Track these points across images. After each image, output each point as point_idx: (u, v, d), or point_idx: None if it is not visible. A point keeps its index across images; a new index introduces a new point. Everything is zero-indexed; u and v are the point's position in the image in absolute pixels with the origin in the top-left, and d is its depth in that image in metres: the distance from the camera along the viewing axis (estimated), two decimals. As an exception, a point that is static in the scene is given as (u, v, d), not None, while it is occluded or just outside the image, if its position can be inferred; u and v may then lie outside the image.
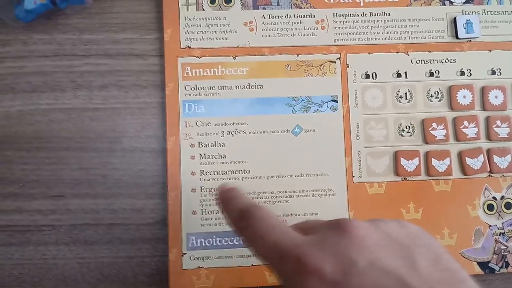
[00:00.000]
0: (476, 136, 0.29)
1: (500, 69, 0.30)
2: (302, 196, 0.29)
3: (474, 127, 0.29)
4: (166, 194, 0.28)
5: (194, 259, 0.28)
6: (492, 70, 0.30)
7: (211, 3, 0.30)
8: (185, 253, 0.28)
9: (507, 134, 0.30)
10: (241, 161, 0.29)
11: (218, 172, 0.29)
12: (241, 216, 0.19)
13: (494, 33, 0.30)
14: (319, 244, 0.16)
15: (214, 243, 0.28)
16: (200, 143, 0.29)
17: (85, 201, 0.29)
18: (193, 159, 0.29)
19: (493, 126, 0.30)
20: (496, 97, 0.30)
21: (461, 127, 0.29)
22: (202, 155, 0.29)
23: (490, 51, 0.30)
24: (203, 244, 0.28)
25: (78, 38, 0.30)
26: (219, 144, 0.29)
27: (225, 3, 0.30)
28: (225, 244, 0.28)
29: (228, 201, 0.20)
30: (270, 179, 0.29)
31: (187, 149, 0.29)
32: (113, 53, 0.29)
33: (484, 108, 0.30)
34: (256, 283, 0.28)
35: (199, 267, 0.28)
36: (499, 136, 0.30)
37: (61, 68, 0.29)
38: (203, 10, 0.29)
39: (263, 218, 0.18)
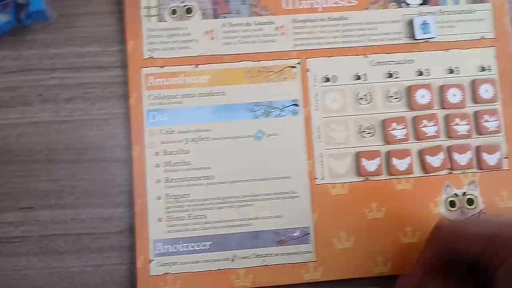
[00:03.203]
0: (436, 134, 0.30)
1: (457, 68, 0.31)
2: (266, 200, 0.29)
3: (434, 125, 0.30)
4: (132, 203, 0.29)
5: (161, 265, 0.29)
6: (449, 69, 0.31)
7: (172, 14, 0.30)
8: (152, 260, 0.29)
9: (467, 131, 0.30)
10: (205, 167, 0.29)
11: (183, 179, 0.29)
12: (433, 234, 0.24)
13: (451, 33, 0.31)
14: None
15: (181, 249, 0.29)
16: (165, 151, 0.29)
17: (54, 212, 0.29)
18: (158, 167, 0.29)
19: (452, 124, 0.30)
20: (454, 95, 0.31)
21: (420, 126, 0.30)
22: (167, 163, 0.29)
23: (447, 50, 0.31)
24: (170, 250, 0.29)
25: (44, 53, 0.30)
26: (183, 152, 0.30)
27: (186, 14, 0.30)
28: (192, 249, 0.29)
29: None
30: (234, 183, 0.29)
31: (152, 158, 0.29)
32: (79, 66, 0.30)
33: (443, 106, 0.30)
34: (223, 287, 0.29)
35: (166, 273, 0.28)
36: (459, 134, 0.30)
37: (28, 82, 0.30)
38: (165, 21, 0.30)
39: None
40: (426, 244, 0.25)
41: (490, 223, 0.22)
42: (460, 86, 0.30)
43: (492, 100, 0.31)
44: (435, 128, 0.30)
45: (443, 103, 0.30)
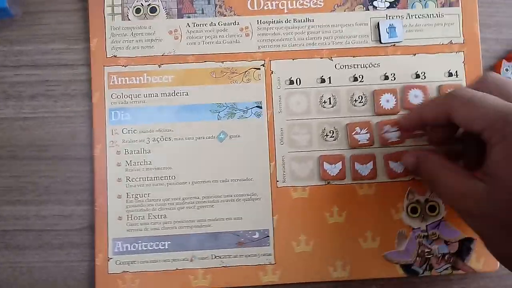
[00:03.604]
0: (398, 140, 0.30)
1: (424, 73, 0.30)
2: (227, 201, 0.29)
3: (397, 130, 0.30)
4: (93, 201, 0.29)
5: (120, 263, 0.29)
6: (416, 73, 0.30)
7: (136, 13, 0.30)
8: (111, 258, 0.29)
9: (430, 138, 0.30)
10: (166, 168, 0.29)
11: (143, 179, 0.29)
12: (449, 94, 0.25)
13: (418, 37, 0.31)
14: None
15: (140, 248, 0.29)
16: (126, 150, 0.29)
17: (16, 208, 0.30)
18: (119, 166, 0.29)
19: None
20: (416, 96, 0.30)
21: (382, 132, 0.30)
22: (128, 162, 0.29)
23: (415, 54, 0.31)
24: (129, 249, 0.29)
25: (9, 50, 0.30)
26: (144, 151, 0.30)
27: (150, 12, 0.30)
28: (151, 248, 0.29)
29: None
30: (195, 184, 0.29)
31: (113, 156, 0.29)
32: (43, 63, 0.30)
33: (403, 107, 0.30)
34: (181, 287, 0.29)
35: (124, 271, 0.29)
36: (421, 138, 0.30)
37: (-8, 79, 0.30)
38: (129, 19, 0.30)
39: (471, 89, 0.24)
40: (432, 102, 0.26)
41: (504, 104, 0.23)
42: (423, 88, 0.30)
43: (458, 106, 0.30)
44: (397, 133, 0.30)
45: (404, 104, 0.30)
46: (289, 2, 0.31)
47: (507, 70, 0.31)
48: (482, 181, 0.23)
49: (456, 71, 0.31)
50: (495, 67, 0.31)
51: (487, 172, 0.23)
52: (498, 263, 0.30)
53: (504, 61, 0.31)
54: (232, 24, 0.30)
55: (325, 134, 0.30)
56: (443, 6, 0.31)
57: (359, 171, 0.30)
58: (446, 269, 0.30)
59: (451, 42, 0.31)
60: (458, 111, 0.24)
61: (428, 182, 0.27)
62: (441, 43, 0.31)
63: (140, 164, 0.30)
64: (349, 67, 0.30)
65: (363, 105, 0.30)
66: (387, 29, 0.30)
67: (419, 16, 0.31)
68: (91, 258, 0.29)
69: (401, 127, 0.29)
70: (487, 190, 0.22)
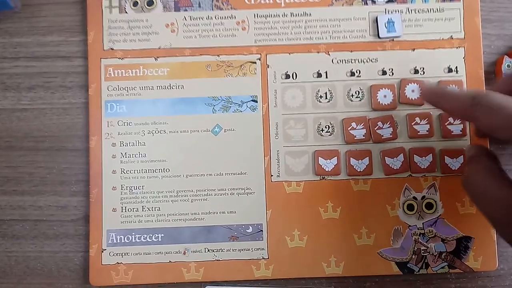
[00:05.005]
0: (391, 136, 0.29)
1: (423, 68, 0.30)
2: (221, 195, 0.29)
3: (389, 127, 0.29)
4: (88, 192, 0.29)
5: (114, 255, 0.29)
6: (415, 69, 0.30)
7: (133, 6, 0.30)
8: (105, 249, 0.29)
9: (427, 131, 0.29)
10: (161, 160, 0.29)
11: (138, 171, 0.29)
12: (476, 94, 0.23)
13: (418, 32, 0.30)
14: None
15: (133, 240, 0.29)
16: (121, 143, 0.30)
17: (13, 198, 0.30)
18: (114, 158, 0.30)
19: (413, 123, 0.29)
20: (413, 91, 0.29)
21: (375, 128, 0.29)
22: (123, 154, 0.30)
23: (414, 50, 0.30)
24: (123, 241, 0.29)
25: (8, 42, 0.31)
26: (139, 143, 0.30)
27: (147, 6, 0.30)
28: (144, 241, 0.29)
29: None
30: (189, 177, 0.29)
31: (108, 148, 0.30)
32: (41, 55, 0.30)
33: (401, 102, 0.29)
34: (173, 279, 0.29)
35: (118, 263, 0.29)
36: (420, 133, 0.29)
37: (-9, 70, 0.31)
38: (126, 12, 0.30)
39: (491, 93, 0.23)
40: (456, 99, 0.25)
41: None
42: (420, 83, 0.30)
43: (457, 103, 0.30)
44: (390, 130, 0.29)
45: (401, 99, 0.29)
46: (286, -5, 0.31)
47: (508, 66, 0.30)
48: None
49: (456, 67, 0.30)
50: (497, 63, 0.30)
51: None
52: (497, 262, 0.29)
53: (506, 57, 0.30)
54: (228, 17, 0.30)
55: (321, 129, 0.30)
56: (443, 0, 0.30)
57: (354, 166, 0.29)
58: (443, 267, 0.29)
59: (451, 37, 0.30)
60: (481, 121, 0.23)
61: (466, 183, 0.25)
62: (441, 38, 0.30)
63: (135, 156, 0.30)
64: (346, 62, 0.30)
65: (360, 100, 0.30)
66: (386, 24, 0.30)
67: (419, 11, 0.30)
68: (85, 249, 0.29)
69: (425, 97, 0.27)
70: None
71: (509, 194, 0.22)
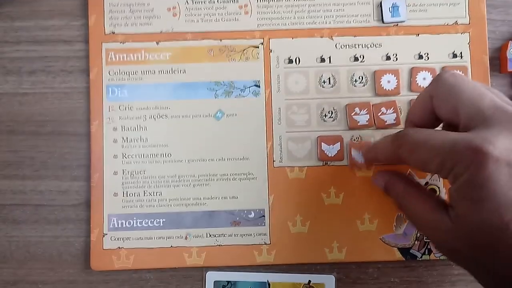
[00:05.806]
0: (394, 122, 0.29)
1: (427, 54, 0.30)
2: (223, 180, 0.29)
3: (393, 112, 0.29)
4: (89, 177, 0.29)
5: (115, 239, 0.29)
6: (419, 54, 0.30)
7: (135, -11, 0.30)
8: (106, 234, 0.29)
9: (432, 120, 0.29)
10: (162, 145, 0.29)
11: (139, 156, 0.29)
12: (395, 137, 0.24)
13: (422, 17, 0.30)
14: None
15: (135, 225, 0.29)
16: (123, 127, 0.29)
17: (14, 182, 0.30)
18: (115, 142, 0.29)
19: (417, 111, 0.29)
20: (424, 78, 0.29)
21: (378, 114, 0.29)
22: (124, 139, 0.29)
23: (418, 35, 0.30)
24: (124, 225, 0.29)
25: (9, 26, 0.30)
26: (141, 128, 0.29)
27: (149, -11, 0.30)
28: (145, 225, 0.29)
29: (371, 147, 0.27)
30: (191, 162, 0.29)
31: (109, 133, 0.29)
32: (42, 39, 0.30)
33: (410, 89, 0.29)
34: (175, 264, 0.29)
35: (119, 247, 0.29)
36: (423, 122, 0.29)
37: (-8, 54, 0.30)
38: (128, -4, 0.30)
39: (409, 130, 0.23)
40: (384, 145, 0.25)
41: (449, 136, 0.21)
42: (431, 70, 0.29)
43: (462, 88, 0.29)
44: (393, 115, 0.29)
45: (412, 87, 0.29)
46: (289, -21, 0.30)
47: (513, 52, 0.30)
48: (448, 214, 0.22)
49: (461, 52, 0.30)
50: (502, 49, 0.30)
51: (451, 204, 0.22)
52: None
53: (510, 43, 0.30)
54: (231, 1, 0.30)
55: (324, 114, 0.30)
56: (448, -15, 0.30)
57: (356, 158, 0.29)
58: (446, 254, 0.29)
59: (456, 23, 0.30)
60: (409, 160, 0.23)
61: (397, 206, 0.26)
62: (446, 24, 0.30)
63: (137, 141, 0.29)
64: (350, 46, 0.30)
65: (364, 85, 0.30)
66: (390, 9, 0.29)
67: (423, -5, 0.30)
68: (86, 234, 0.29)
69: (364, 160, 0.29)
70: (453, 228, 0.21)
71: (439, 218, 0.22)
